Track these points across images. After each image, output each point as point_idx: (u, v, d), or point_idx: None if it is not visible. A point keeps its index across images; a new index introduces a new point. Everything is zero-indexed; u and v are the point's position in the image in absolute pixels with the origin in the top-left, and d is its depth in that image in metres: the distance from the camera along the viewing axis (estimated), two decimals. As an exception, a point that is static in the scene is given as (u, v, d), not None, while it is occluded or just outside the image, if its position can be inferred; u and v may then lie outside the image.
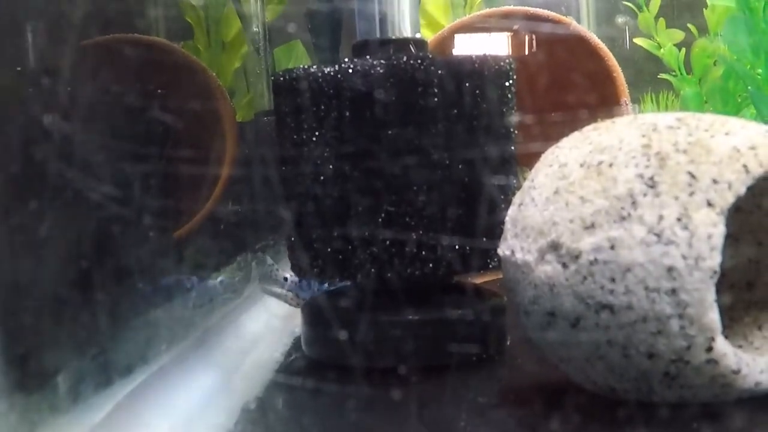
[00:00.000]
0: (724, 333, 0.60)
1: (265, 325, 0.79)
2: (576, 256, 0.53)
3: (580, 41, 1.03)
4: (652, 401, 0.55)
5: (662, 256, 0.51)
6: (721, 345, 0.52)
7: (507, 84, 0.69)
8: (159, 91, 0.98)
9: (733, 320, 0.64)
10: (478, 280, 0.81)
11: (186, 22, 1.25)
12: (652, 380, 0.54)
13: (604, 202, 0.53)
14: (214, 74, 1.11)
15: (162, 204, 0.82)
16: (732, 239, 0.65)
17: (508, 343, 0.70)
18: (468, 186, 0.66)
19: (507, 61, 0.70)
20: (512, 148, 0.69)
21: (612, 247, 0.52)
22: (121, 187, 0.73)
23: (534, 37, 1.08)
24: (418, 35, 0.70)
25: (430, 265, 0.66)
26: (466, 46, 1.12)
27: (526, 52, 1.08)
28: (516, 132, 0.71)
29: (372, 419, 0.59)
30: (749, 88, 0.91)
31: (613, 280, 0.52)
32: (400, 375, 0.64)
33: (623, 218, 0.52)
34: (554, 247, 0.55)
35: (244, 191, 1.05)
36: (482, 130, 0.67)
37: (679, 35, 1.19)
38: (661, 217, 0.52)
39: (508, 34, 1.12)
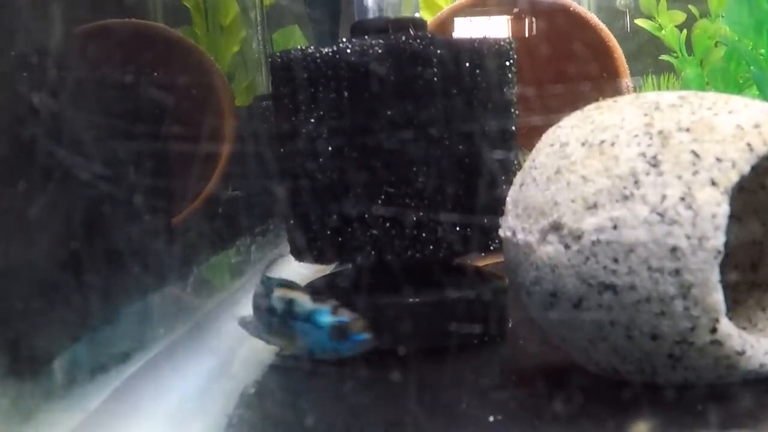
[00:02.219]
0: (728, 314, 0.60)
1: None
2: (578, 237, 0.53)
3: (581, 22, 1.02)
4: (655, 383, 0.55)
5: (666, 235, 0.50)
6: (726, 326, 0.51)
7: (507, 64, 0.68)
8: (156, 77, 0.97)
9: (737, 301, 0.63)
10: (481, 262, 0.80)
11: (184, 7, 1.24)
12: (655, 361, 0.53)
13: (607, 181, 0.53)
14: (212, 59, 1.10)
15: (159, 189, 0.81)
16: (736, 219, 0.64)
17: (510, 324, 0.69)
18: (468, 167, 0.66)
19: (507, 41, 0.69)
20: (513, 128, 0.69)
21: (615, 227, 0.52)
22: (117, 173, 0.72)
23: (534, 19, 1.07)
24: (417, 15, 0.69)
25: (431, 246, 0.65)
26: (466, 28, 1.11)
27: (527, 35, 1.08)
28: (517, 112, 0.70)
29: (371, 401, 0.58)
30: (752, 68, 0.91)
31: (615, 260, 0.51)
32: (400, 357, 0.64)
33: (626, 198, 0.52)
34: (556, 227, 0.54)
35: (244, 175, 1.05)
36: (482, 110, 0.66)
37: (680, 16, 1.18)
38: (664, 197, 0.51)
39: (509, 17, 1.11)
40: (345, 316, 0.63)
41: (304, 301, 0.64)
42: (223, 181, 1.05)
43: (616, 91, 1.01)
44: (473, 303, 0.67)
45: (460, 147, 0.65)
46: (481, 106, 0.66)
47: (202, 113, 1.05)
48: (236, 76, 1.32)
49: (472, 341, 0.66)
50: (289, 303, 0.65)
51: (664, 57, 1.19)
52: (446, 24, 1.07)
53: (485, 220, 0.64)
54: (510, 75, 0.69)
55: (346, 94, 0.64)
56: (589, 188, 0.53)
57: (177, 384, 0.61)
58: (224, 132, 1.08)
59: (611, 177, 0.53)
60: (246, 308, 0.72)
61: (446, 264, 0.70)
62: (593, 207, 0.53)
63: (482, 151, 0.66)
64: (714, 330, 0.51)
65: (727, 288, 0.63)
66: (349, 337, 0.62)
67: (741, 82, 1.06)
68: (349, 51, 0.64)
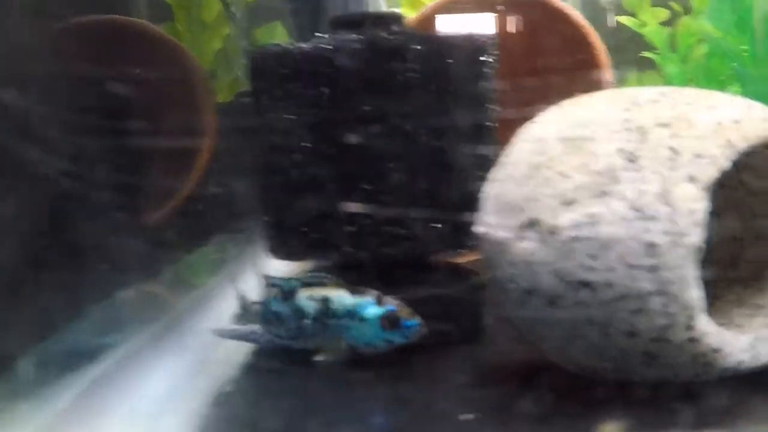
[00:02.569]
0: (707, 311, 0.59)
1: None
2: (555, 233, 0.52)
3: (562, 18, 1.01)
4: (632, 380, 0.54)
5: (643, 232, 0.50)
6: (703, 323, 0.51)
7: (485, 59, 0.67)
8: (129, 73, 0.96)
9: (716, 298, 0.62)
10: (461, 259, 0.79)
11: (167, 4, 1.23)
12: (632, 359, 0.53)
13: (584, 177, 0.52)
14: (192, 55, 1.10)
15: (131, 186, 0.80)
16: (715, 215, 0.63)
17: (488, 322, 0.68)
18: (446, 163, 0.65)
19: (486, 36, 0.68)
20: (491, 124, 0.68)
21: (592, 223, 0.51)
22: (83, 170, 0.71)
23: (517, 16, 1.06)
24: (395, 10, 0.69)
25: (407, 243, 0.64)
26: (450, 26, 1.10)
27: (510, 31, 1.07)
28: (495, 108, 0.69)
29: (347, 400, 0.58)
30: (734, 65, 0.90)
31: (592, 257, 0.51)
32: (375, 355, 0.63)
33: (603, 193, 0.51)
34: (533, 223, 0.54)
35: (225, 172, 1.04)
36: (460, 106, 0.65)
37: (663, 13, 1.18)
38: (642, 193, 0.50)
39: (492, 13, 1.10)
40: (391, 304, 0.61)
41: (343, 297, 0.62)
42: (203, 179, 1.04)
43: (598, 87, 1.00)
44: (449, 300, 0.66)
45: (437, 143, 0.65)
46: (458, 102, 0.65)
47: (180, 110, 1.04)
48: (219, 72, 1.31)
49: (448, 339, 0.65)
50: (325, 301, 0.62)
51: (645, 54, 1.18)
52: (429, 20, 1.06)
53: (462, 217, 0.64)
54: (488, 70, 0.68)
55: (322, 90, 0.63)
56: (567, 184, 0.53)
57: (149, 383, 0.60)
58: (204, 129, 1.07)
59: (589, 173, 0.52)
60: (221, 307, 0.71)
61: (423, 261, 0.69)
62: (570, 203, 0.52)
63: (460, 147, 0.65)
64: (691, 327, 0.51)
65: (706, 284, 0.63)
66: (401, 324, 0.61)
67: (723, 79, 1.06)
68: (325, 46, 0.63)
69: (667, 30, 1.17)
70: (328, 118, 0.63)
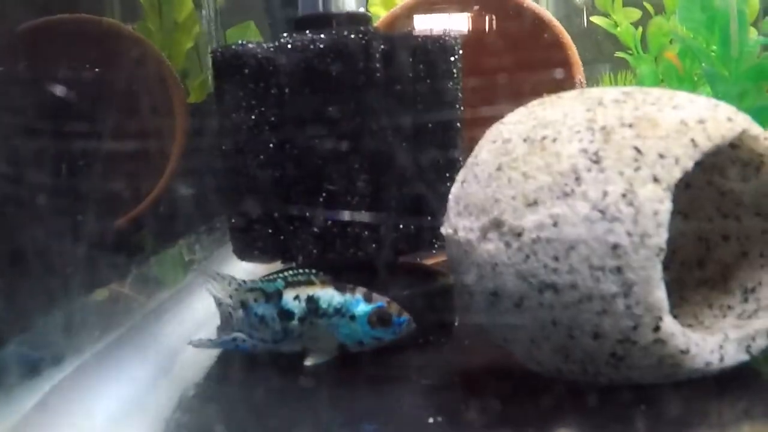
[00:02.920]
0: (674, 312, 0.59)
1: (211, 309, 0.76)
2: (518, 234, 0.52)
3: (534, 18, 1.01)
4: (599, 382, 0.54)
5: (606, 233, 0.49)
6: (669, 325, 0.51)
7: (452, 59, 0.67)
8: (103, 73, 0.95)
9: (683, 299, 0.62)
10: (431, 260, 0.79)
11: (137, 3, 1.23)
12: (598, 361, 0.52)
13: (547, 178, 0.52)
14: (163, 54, 1.09)
15: (101, 190, 0.79)
16: (682, 216, 0.63)
17: (456, 324, 0.68)
18: (412, 164, 0.64)
19: (452, 36, 0.67)
20: (458, 124, 0.67)
21: (555, 224, 0.51)
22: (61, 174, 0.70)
23: (488, 16, 1.06)
24: (361, 10, 0.68)
25: (373, 245, 0.64)
26: (425, 25, 1.10)
27: (483, 31, 1.07)
28: (462, 108, 0.69)
29: (311, 404, 0.57)
30: (703, 65, 0.90)
31: (556, 258, 0.50)
32: (344, 358, 0.62)
33: (566, 194, 0.51)
34: (496, 224, 0.53)
35: (196, 173, 1.03)
36: (425, 106, 0.65)
37: (635, 14, 1.18)
38: (605, 193, 0.50)
39: (469, 14, 1.10)
40: (379, 301, 0.60)
41: (330, 295, 0.61)
42: (174, 180, 1.03)
43: (570, 87, 1.00)
44: (417, 302, 0.66)
45: (403, 144, 0.64)
46: (424, 102, 0.65)
47: (151, 111, 1.04)
48: (190, 72, 1.30)
49: (416, 340, 0.65)
50: (311, 300, 0.61)
51: (619, 54, 1.18)
52: (400, 20, 1.06)
53: (429, 218, 0.63)
54: (455, 70, 0.68)
55: (286, 90, 0.63)
56: (530, 185, 0.52)
57: (113, 387, 0.59)
58: (175, 129, 1.07)
59: (552, 173, 0.52)
60: (190, 308, 0.70)
61: (391, 262, 0.69)
62: (534, 204, 0.52)
63: (426, 148, 0.64)
64: (657, 329, 0.50)
65: (674, 285, 0.62)
66: (392, 321, 0.60)
67: (696, 79, 1.06)
68: (290, 46, 0.63)
69: (639, 30, 1.17)
70: (291, 119, 0.63)
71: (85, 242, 0.70)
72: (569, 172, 0.51)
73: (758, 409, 0.53)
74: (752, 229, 0.60)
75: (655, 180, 0.50)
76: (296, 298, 0.61)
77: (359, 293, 0.61)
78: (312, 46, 0.62)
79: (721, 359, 0.54)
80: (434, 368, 0.61)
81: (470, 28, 1.06)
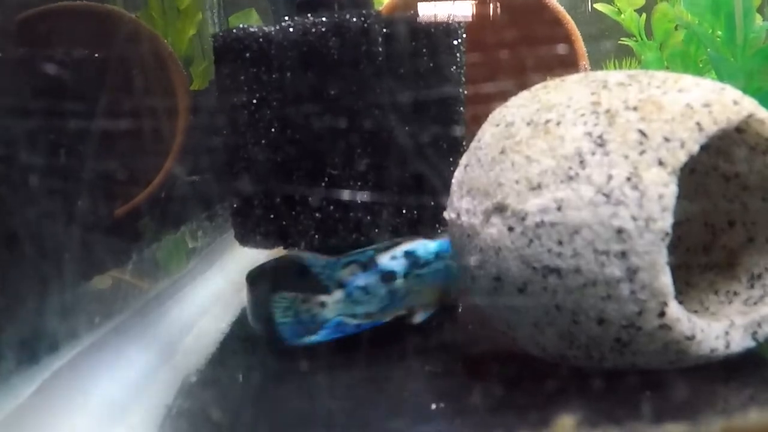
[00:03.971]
0: (679, 298, 0.59)
1: (213, 295, 0.76)
2: (522, 218, 0.51)
3: (539, 5, 1.00)
4: (604, 368, 0.53)
5: (611, 217, 0.49)
6: (675, 310, 0.50)
7: (455, 43, 0.66)
8: (108, 60, 0.95)
9: (689, 285, 0.62)
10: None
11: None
12: (603, 346, 0.52)
13: (551, 161, 0.51)
14: (166, 41, 1.08)
15: (104, 176, 0.79)
16: (688, 201, 0.63)
17: (460, 309, 0.67)
18: (414, 148, 0.64)
19: (455, 21, 0.67)
20: (461, 109, 0.67)
21: (559, 208, 0.50)
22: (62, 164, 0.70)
23: (493, 3, 1.05)
24: (362, -8, 0.67)
25: (376, 229, 0.63)
26: (430, 11, 1.09)
27: (488, 18, 1.06)
28: (466, 92, 0.68)
29: (314, 389, 0.57)
30: (708, 50, 0.89)
31: (560, 242, 0.50)
32: (345, 343, 0.62)
33: (570, 178, 0.50)
34: (500, 209, 0.53)
35: (201, 159, 1.03)
36: (428, 90, 0.64)
37: (639, 1, 1.17)
38: (610, 177, 0.49)
39: (473, 1, 1.10)
40: None
41: (424, 244, 0.61)
42: (178, 166, 1.02)
43: (574, 72, 1.00)
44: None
45: (406, 128, 0.64)
46: (426, 86, 0.64)
47: (155, 97, 1.03)
48: (194, 59, 1.30)
49: (420, 326, 0.65)
50: (408, 255, 0.61)
51: (623, 41, 1.18)
52: (403, 5, 1.06)
53: (432, 203, 0.63)
54: (458, 55, 0.67)
55: (288, 74, 0.62)
56: (534, 169, 0.52)
57: (115, 373, 0.59)
58: (179, 116, 1.06)
59: (556, 157, 0.51)
60: (192, 294, 0.70)
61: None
62: (537, 188, 0.51)
63: (429, 133, 0.64)
64: (662, 314, 0.50)
65: (679, 271, 0.62)
66: None
67: (701, 65, 1.05)
68: (291, 29, 0.62)
69: (643, 17, 1.16)
70: (292, 102, 0.62)
71: (83, 228, 0.69)
72: (573, 155, 0.51)
73: (765, 396, 0.52)
74: (758, 214, 0.59)
75: (660, 163, 0.49)
76: (393, 257, 0.60)
77: (442, 238, 0.60)
78: (314, 30, 0.61)
79: (727, 345, 0.54)
80: (437, 353, 0.61)
81: (476, 15, 1.05)
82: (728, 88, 0.55)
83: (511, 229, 0.52)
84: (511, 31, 1.00)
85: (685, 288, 0.62)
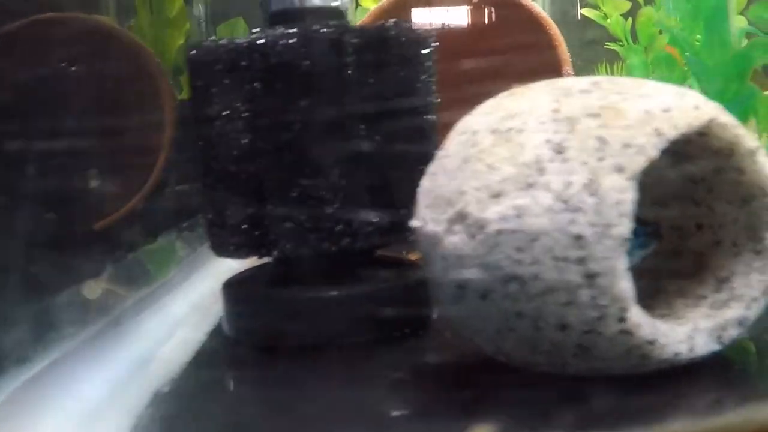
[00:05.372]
0: (648, 302, 0.59)
1: (192, 304, 0.77)
2: (482, 226, 0.52)
3: (520, 10, 1.01)
4: (567, 373, 0.54)
5: (569, 223, 0.49)
6: (635, 315, 0.51)
7: (425, 53, 0.67)
8: (92, 72, 0.95)
9: (658, 289, 0.62)
10: (410, 254, 0.79)
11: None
12: (565, 352, 0.52)
13: (512, 169, 0.52)
14: (153, 53, 1.09)
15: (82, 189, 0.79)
16: (657, 206, 0.63)
17: (434, 317, 0.68)
18: (385, 157, 0.64)
19: (425, 29, 0.67)
20: (432, 117, 0.67)
21: (518, 216, 0.50)
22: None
23: (474, 9, 1.06)
24: (335, 3, 0.68)
25: (347, 238, 0.64)
26: (424, 19, 1.10)
27: (472, 25, 1.07)
28: (438, 101, 0.69)
29: (282, 399, 0.57)
30: (687, 54, 0.90)
31: (519, 249, 0.50)
32: (318, 353, 0.62)
33: (530, 185, 0.51)
34: (462, 217, 0.53)
35: (182, 171, 1.03)
36: (398, 100, 0.65)
37: (625, 5, 1.18)
38: (568, 184, 0.50)
39: (468, 7, 1.10)
40: None
41: None
42: (165, 178, 1.03)
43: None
44: (394, 295, 0.66)
45: (376, 137, 0.64)
46: (396, 96, 0.65)
47: (140, 109, 1.04)
48: (183, 69, 1.31)
49: (392, 334, 0.65)
50: None
51: (608, 45, 1.18)
52: (389, 13, 1.06)
53: (403, 212, 0.63)
54: (428, 64, 0.68)
55: (258, 85, 0.63)
56: (495, 176, 0.52)
57: (85, 384, 0.59)
58: (164, 126, 1.07)
59: (516, 165, 0.52)
60: (171, 303, 0.71)
61: (369, 256, 0.69)
62: (498, 195, 0.52)
63: (399, 142, 0.64)
64: (623, 319, 0.50)
65: (649, 275, 0.62)
66: None
67: (686, 69, 1.06)
68: (261, 41, 0.63)
69: (629, 21, 1.17)
70: (262, 114, 0.62)
71: (56, 240, 0.70)
72: (533, 162, 0.51)
73: (729, 400, 0.53)
74: (725, 217, 0.59)
75: (619, 170, 0.50)
76: None
77: None
78: (282, 41, 0.62)
79: (692, 349, 0.54)
80: (407, 361, 0.61)
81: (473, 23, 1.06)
82: (690, 93, 0.55)
83: (472, 236, 0.52)
84: (490, 36, 1.01)
85: (654, 293, 0.62)
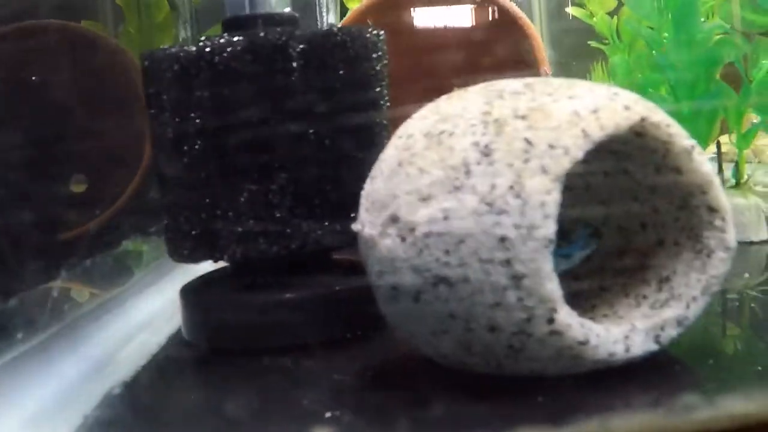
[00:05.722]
0: (592, 302, 0.59)
1: (158, 309, 0.78)
2: (412, 229, 0.52)
3: (497, 9, 1.01)
4: (504, 374, 0.54)
5: (494, 226, 0.50)
6: (564, 316, 0.51)
7: (374, 56, 0.67)
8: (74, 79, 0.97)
9: (603, 289, 0.62)
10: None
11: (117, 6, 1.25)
12: (497, 354, 0.52)
13: (440, 172, 0.52)
14: (133, 57, 1.10)
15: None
16: (603, 205, 0.63)
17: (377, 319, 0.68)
18: (334, 161, 0.65)
19: (374, 32, 0.68)
20: (383, 121, 0.68)
21: (445, 218, 0.51)
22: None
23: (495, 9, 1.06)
24: (287, 10, 0.69)
25: (296, 243, 0.64)
26: (426, 20, 1.10)
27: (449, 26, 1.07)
28: (388, 104, 0.69)
29: (222, 400, 0.58)
30: (654, 53, 0.89)
31: (447, 252, 0.51)
32: (270, 355, 0.63)
33: (456, 188, 0.51)
34: (394, 220, 0.53)
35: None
36: (346, 103, 0.65)
37: (611, 3, 1.17)
38: (493, 186, 0.50)
39: (472, 6, 1.11)
40: None
41: None
42: (145, 183, 1.04)
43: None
44: (346, 297, 0.66)
45: (325, 141, 0.65)
46: (344, 100, 0.65)
47: (121, 114, 1.05)
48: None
49: (344, 336, 0.66)
50: None
51: (592, 44, 1.18)
52: (368, 15, 1.07)
53: (353, 215, 0.64)
54: (379, 66, 0.68)
55: (205, 92, 0.63)
56: (425, 180, 0.53)
57: (34, 387, 0.60)
58: (145, 134, 1.08)
59: (445, 168, 0.52)
60: (135, 308, 0.72)
61: (323, 259, 0.70)
62: (427, 199, 0.52)
63: (346, 145, 0.65)
64: (551, 320, 0.51)
65: (595, 275, 0.63)
66: None
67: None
68: (207, 49, 0.63)
69: (615, 19, 1.17)
70: (210, 120, 0.63)
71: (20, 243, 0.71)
72: (460, 165, 0.51)
73: (665, 399, 0.53)
74: (666, 216, 0.60)
75: (544, 171, 0.50)
76: None
77: None
78: (228, 48, 0.63)
79: (627, 349, 0.54)
80: (352, 363, 0.62)
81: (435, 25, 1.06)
82: (623, 93, 0.55)
83: (403, 239, 0.53)
84: (466, 35, 1.01)
85: (598, 292, 0.62)
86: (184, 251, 0.67)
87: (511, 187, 0.50)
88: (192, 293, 0.70)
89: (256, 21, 0.68)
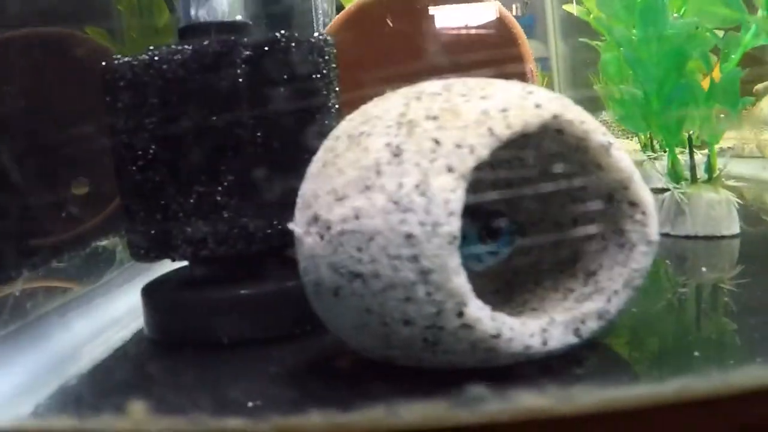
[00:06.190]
0: (525, 297, 0.61)
1: (128, 307, 0.81)
2: (329, 227, 0.54)
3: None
4: (424, 367, 0.56)
5: (401, 223, 0.51)
6: (473, 310, 0.52)
7: (320, 61, 0.69)
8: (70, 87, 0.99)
9: (537, 284, 0.64)
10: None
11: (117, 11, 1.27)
12: (414, 347, 0.54)
13: (355, 172, 0.54)
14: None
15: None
16: (541, 202, 0.65)
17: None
18: (280, 163, 0.67)
19: (321, 37, 0.70)
20: (329, 122, 0.70)
21: (357, 217, 0.53)
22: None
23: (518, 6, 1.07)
24: (238, 18, 0.71)
25: (243, 242, 0.67)
26: (450, 18, 1.12)
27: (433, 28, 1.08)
28: (337, 108, 0.71)
29: (163, 391, 0.60)
30: (622, 50, 0.90)
31: (359, 249, 0.53)
32: (221, 351, 0.66)
33: (367, 188, 0.53)
34: (315, 219, 0.56)
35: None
36: (292, 108, 0.67)
37: (606, 0, 1.17)
38: (400, 185, 0.52)
39: (497, 3, 1.12)
40: None
41: None
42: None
43: (520, 78, 1.01)
44: (297, 294, 0.68)
45: (273, 144, 0.67)
46: (290, 104, 0.67)
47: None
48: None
49: (293, 331, 0.68)
50: None
51: (583, 40, 1.19)
52: (356, 17, 1.08)
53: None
54: (327, 70, 0.70)
55: (155, 99, 0.66)
56: (341, 180, 0.55)
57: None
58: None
59: (359, 168, 0.54)
60: (105, 305, 0.75)
61: (278, 257, 0.72)
62: (342, 198, 0.54)
63: (292, 147, 0.67)
64: (461, 314, 0.52)
65: (530, 270, 0.64)
66: None
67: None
68: (156, 58, 0.66)
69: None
70: (160, 126, 0.66)
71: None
72: (372, 165, 0.53)
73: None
74: (594, 211, 0.61)
75: (449, 170, 0.52)
76: None
77: None
78: (175, 57, 0.65)
79: (545, 343, 0.55)
80: (293, 357, 0.64)
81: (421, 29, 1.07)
82: (538, 91, 0.57)
83: (321, 237, 0.55)
84: (453, 36, 1.02)
85: (532, 287, 0.64)
86: (141, 250, 0.69)
87: (417, 186, 0.51)
88: (151, 291, 0.72)
89: (209, 29, 0.70)
